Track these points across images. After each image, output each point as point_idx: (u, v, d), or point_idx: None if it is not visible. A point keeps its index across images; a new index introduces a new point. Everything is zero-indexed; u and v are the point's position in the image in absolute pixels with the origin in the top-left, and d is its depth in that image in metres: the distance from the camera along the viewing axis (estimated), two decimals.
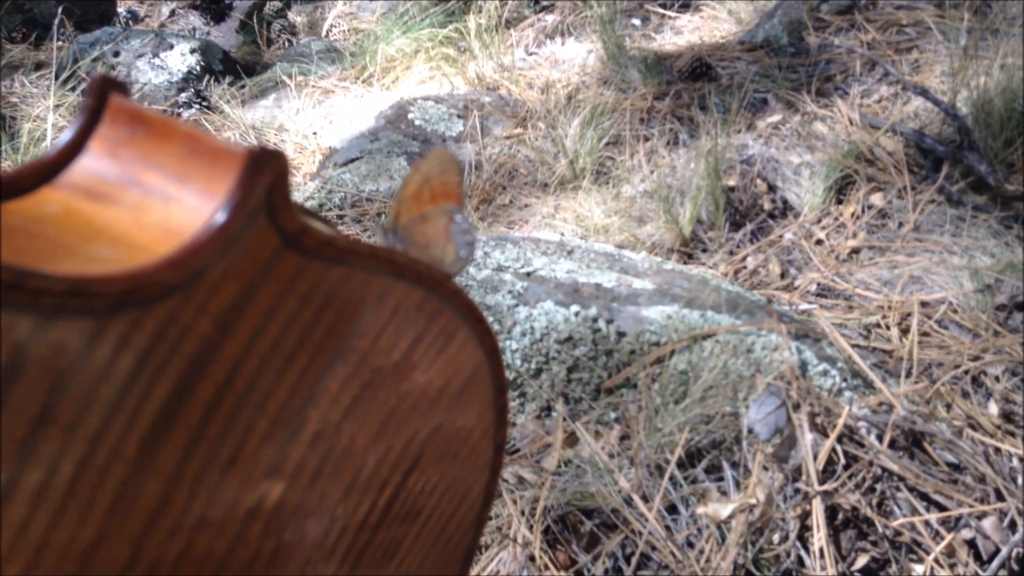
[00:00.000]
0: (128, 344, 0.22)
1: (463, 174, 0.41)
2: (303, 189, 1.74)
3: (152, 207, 0.25)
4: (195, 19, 3.07)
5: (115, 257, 0.24)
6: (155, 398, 0.24)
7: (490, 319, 0.94)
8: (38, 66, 2.62)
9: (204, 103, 2.36)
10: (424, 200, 0.37)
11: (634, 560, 0.75)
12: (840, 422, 0.80)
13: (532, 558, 0.75)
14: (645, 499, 0.79)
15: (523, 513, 0.77)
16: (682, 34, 2.39)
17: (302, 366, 0.28)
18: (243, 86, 2.38)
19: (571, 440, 0.86)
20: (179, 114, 2.36)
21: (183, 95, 2.43)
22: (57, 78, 2.38)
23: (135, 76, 2.50)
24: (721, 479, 0.83)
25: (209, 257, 0.24)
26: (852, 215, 1.56)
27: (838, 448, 0.80)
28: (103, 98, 0.27)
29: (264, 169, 0.24)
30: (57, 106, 2.27)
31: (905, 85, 1.68)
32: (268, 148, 0.24)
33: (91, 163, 0.26)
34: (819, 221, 1.57)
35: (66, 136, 0.27)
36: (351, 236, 0.31)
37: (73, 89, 2.36)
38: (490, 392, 0.38)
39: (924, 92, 1.62)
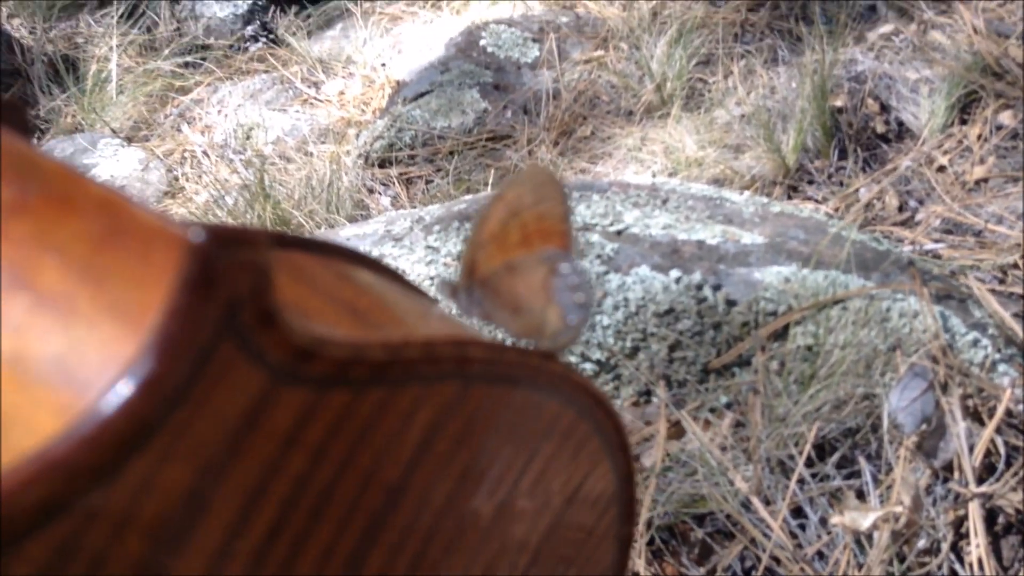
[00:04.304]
0: None
1: (569, 201, 0.25)
2: (372, 128, 1.64)
3: (46, 334, 0.14)
4: None
5: None
6: None
7: None
8: (102, 3, 2.56)
9: (270, 36, 2.27)
10: (512, 243, 0.24)
11: (756, 575, 0.65)
12: (1001, 408, 0.68)
13: (636, 575, 0.65)
14: (767, 502, 0.68)
15: None
16: None
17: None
18: (308, 16, 2.28)
19: (676, 431, 0.75)
20: (246, 48, 2.28)
21: (249, 28, 2.34)
22: (121, 15, 2.31)
23: (200, 10, 2.43)
24: (855, 475, 0.71)
25: (99, 467, 0.13)
26: (979, 137, 1.39)
27: (997, 439, 0.68)
28: None
29: (219, 277, 0.13)
30: (120, 46, 2.21)
31: None
32: (226, 228, 0.13)
33: None
34: (940, 145, 1.40)
35: None
36: (389, 335, 0.19)
37: (137, 27, 2.30)
38: (613, 482, 0.28)
39: None
